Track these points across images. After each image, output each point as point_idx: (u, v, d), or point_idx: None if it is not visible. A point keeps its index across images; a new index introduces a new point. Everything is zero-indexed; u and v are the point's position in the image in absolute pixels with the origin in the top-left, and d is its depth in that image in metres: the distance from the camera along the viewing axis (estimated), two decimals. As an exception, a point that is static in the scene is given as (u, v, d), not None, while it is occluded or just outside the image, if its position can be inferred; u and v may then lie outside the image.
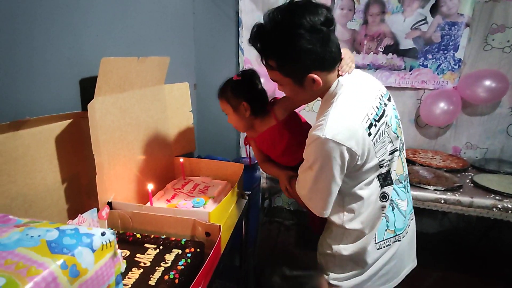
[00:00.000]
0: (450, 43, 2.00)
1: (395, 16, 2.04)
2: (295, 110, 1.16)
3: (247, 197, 1.32)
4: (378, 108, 0.89)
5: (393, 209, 0.95)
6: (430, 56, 2.05)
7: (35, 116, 0.80)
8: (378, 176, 0.91)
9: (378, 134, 0.87)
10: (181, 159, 1.38)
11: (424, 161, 1.95)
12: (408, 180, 1.05)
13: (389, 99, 0.98)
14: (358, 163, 0.84)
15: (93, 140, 0.87)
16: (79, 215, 0.81)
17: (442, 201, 1.57)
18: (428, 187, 1.62)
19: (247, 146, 1.27)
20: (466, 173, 1.86)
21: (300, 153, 1.10)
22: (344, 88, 0.87)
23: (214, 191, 1.25)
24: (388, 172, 0.92)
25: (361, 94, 0.89)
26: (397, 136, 0.95)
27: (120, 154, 1.07)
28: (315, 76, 0.84)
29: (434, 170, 1.81)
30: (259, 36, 0.85)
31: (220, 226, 0.91)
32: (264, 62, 0.88)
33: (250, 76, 1.13)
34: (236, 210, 1.21)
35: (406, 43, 2.07)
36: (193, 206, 1.12)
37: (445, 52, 2.02)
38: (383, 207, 0.93)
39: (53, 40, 0.91)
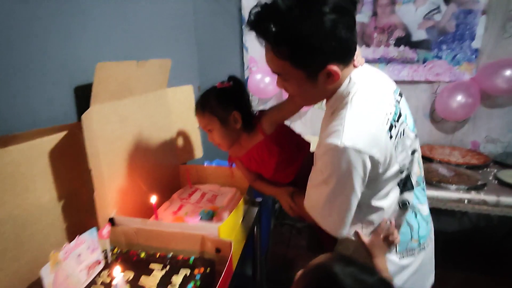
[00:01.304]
0: (466, 32, 1.89)
1: (406, 6, 1.93)
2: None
3: (258, 204, 1.24)
4: (395, 106, 0.78)
5: (415, 215, 0.87)
6: (444, 47, 1.94)
7: (24, 130, 0.73)
8: (398, 182, 0.81)
9: (398, 135, 0.77)
10: (188, 166, 1.31)
11: (442, 158, 1.85)
12: (424, 181, 0.96)
13: (400, 95, 0.87)
14: (379, 171, 0.74)
15: (89, 153, 0.80)
16: (77, 236, 0.74)
17: (466, 201, 1.48)
18: (450, 186, 1.52)
19: (231, 165, 1.14)
20: (488, 169, 1.76)
21: (292, 168, 1.00)
22: (357, 86, 0.75)
23: (223, 200, 1.17)
24: (408, 176, 0.83)
25: (377, 92, 0.79)
26: (416, 136, 0.86)
27: (122, 166, 1.00)
28: (334, 67, 0.70)
29: (454, 168, 1.71)
30: (272, 17, 0.68)
31: (231, 242, 0.84)
32: (272, 50, 0.71)
33: (239, 81, 1.01)
34: (247, 219, 1.14)
35: (419, 34, 1.96)
36: (201, 218, 1.05)
37: (461, 42, 1.91)
38: (404, 215, 0.84)
39: (44, 44, 0.84)
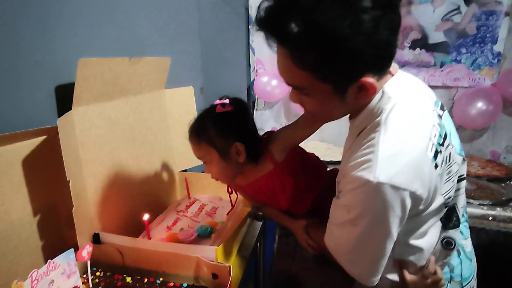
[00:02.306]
0: (488, 35, 1.77)
1: (423, 6, 1.82)
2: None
3: (262, 218, 1.12)
4: (439, 126, 0.63)
5: (458, 254, 0.73)
6: (464, 50, 1.82)
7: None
8: (441, 218, 0.68)
9: (444, 162, 0.63)
10: (186, 174, 1.20)
11: (460, 169, 1.72)
12: (466, 208, 0.82)
13: (442, 107, 0.71)
14: (420, 207, 0.60)
15: (66, 162, 0.69)
16: (49, 261, 0.63)
17: (490, 218, 1.34)
18: (472, 201, 1.39)
19: (230, 193, 0.98)
20: (511, 182, 1.62)
21: (308, 199, 0.86)
22: (393, 101, 0.60)
23: (224, 214, 1.06)
24: (454, 209, 0.69)
25: (417, 109, 0.63)
26: (464, 159, 0.71)
27: (110, 175, 0.89)
28: (370, 79, 0.55)
29: (476, 180, 1.58)
30: (292, 12, 0.51)
31: (230, 267, 0.72)
32: (291, 57, 0.55)
33: (243, 104, 0.84)
34: (249, 236, 1.02)
35: (436, 37, 1.84)
36: (198, 235, 0.94)
37: (482, 45, 1.79)
38: (448, 255, 0.70)
39: (13, 39, 0.73)
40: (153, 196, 1.10)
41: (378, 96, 0.61)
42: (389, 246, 0.60)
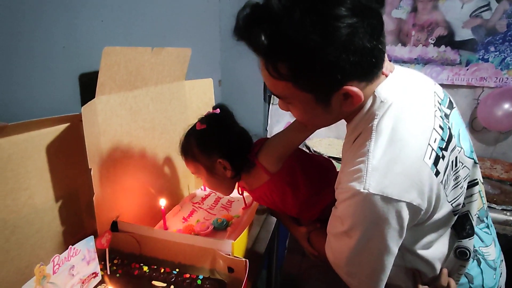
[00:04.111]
0: (519, 33, 1.69)
1: (451, 2, 1.75)
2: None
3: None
4: (442, 129, 0.58)
5: (479, 263, 0.69)
6: (492, 49, 1.75)
7: (18, 121, 0.63)
8: (453, 225, 0.64)
9: (448, 168, 0.58)
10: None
11: (483, 172, 1.64)
12: (489, 213, 0.78)
13: (450, 106, 0.66)
14: (422, 217, 0.56)
15: (89, 150, 0.70)
16: (70, 247, 0.64)
17: (513, 224, 1.30)
18: (495, 206, 1.35)
19: (241, 194, 0.96)
20: (537, 188, 1.56)
21: (317, 209, 0.81)
22: (386, 106, 0.56)
23: (239, 207, 1.05)
24: (467, 217, 0.65)
25: (416, 111, 0.58)
26: (475, 162, 0.67)
27: (130, 164, 0.89)
28: (353, 89, 0.53)
29: (499, 184, 1.53)
30: (262, 22, 0.50)
31: (246, 261, 0.72)
32: (266, 67, 0.54)
33: (218, 119, 0.81)
34: (264, 231, 1.02)
35: (463, 34, 1.77)
36: (214, 228, 0.94)
37: (512, 43, 1.71)
38: (463, 266, 0.66)
39: (43, 24, 0.74)
40: (170, 186, 1.11)
41: (370, 100, 0.58)
42: (389, 260, 0.56)
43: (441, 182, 0.56)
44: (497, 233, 1.32)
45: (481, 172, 1.64)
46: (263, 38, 0.50)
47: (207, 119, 0.81)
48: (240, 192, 0.93)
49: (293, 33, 0.48)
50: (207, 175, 0.82)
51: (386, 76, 0.59)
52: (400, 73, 0.62)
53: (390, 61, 0.62)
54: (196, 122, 0.82)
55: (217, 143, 0.79)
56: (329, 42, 0.47)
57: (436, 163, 0.54)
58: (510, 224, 1.31)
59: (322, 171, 0.86)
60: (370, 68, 0.54)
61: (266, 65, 0.54)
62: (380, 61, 0.55)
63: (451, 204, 0.60)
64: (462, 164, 0.62)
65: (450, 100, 0.68)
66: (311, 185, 0.80)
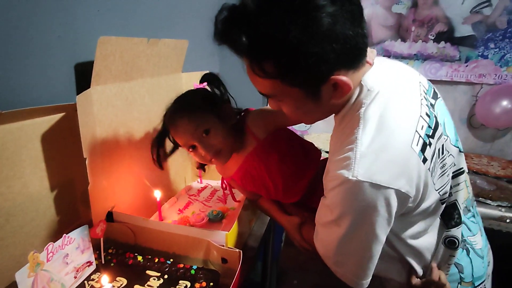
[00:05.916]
0: (519, 30, 1.69)
1: (452, -3, 1.74)
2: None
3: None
4: (428, 116, 0.59)
5: (467, 253, 0.70)
6: (492, 45, 1.74)
7: (13, 109, 0.63)
8: (441, 215, 0.65)
9: (435, 156, 0.58)
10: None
11: (479, 169, 1.66)
12: (475, 201, 0.79)
13: (435, 96, 0.67)
14: (410, 205, 0.57)
15: (84, 140, 0.70)
16: (64, 235, 0.64)
17: (508, 220, 1.31)
18: (490, 202, 1.35)
19: (225, 189, 0.98)
20: (533, 185, 1.56)
21: (300, 186, 0.82)
22: (372, 94, 0.57)
23: (235, 200, 1.06)
24: (454, 206, 0.65)
25: (402, 99, 0.58)
26: (460, 150, 0.67)
27: (126, 155, 0.90)
28: (342, 77, 0.53)
29: (495, 181, 1.53)
30: (242, 24, 0.50)
31: (240, 252, 0.72)
32: (251, 67, 0.54)
33: (214, 75, 0.91)
34: (260, 223, 1.02)
35: (463, 30, 1.76)
36: (209, 220, 0.94)
37: (512, 40, 1.71)
38: (452, 256, 0.67)
39: (39, 12, 0.73)
40: (167, 178, 1.11)
41: (357, 90, 0.58)
42: (376, 248, 0.57)
43: (429, 169, 0.56)
44: (492, 229, 1.34)
45: (478, 168, 1.66)
46: (244, 39, 0.50)
47: (204, 79, 0.90)
48: (224, 187, 0.95)
49: (274, 30, 0.48)
50: (218, 121, 0.80)
51: (371, 65, 0.59)
52: (384, 62, 0.63)
53: (389, 56, 0.63)
54: (188, 91, 0.90)
55: (218, 90, 0.87)
56: (311, 34, 0.47)
57: (423, 150, 0.55)
58: (505, 220, 1.31)
59: (307, 149, 0.88)
60: (354, 55, 0.54)
61: (251, 66, 0.54)
62: (364, 46, 0.55)
63: (439, 193, 0.61)
64: (448, 152, 0.63)
65: (434, 91, 0.69)
66: (297, 158, 0.83)
